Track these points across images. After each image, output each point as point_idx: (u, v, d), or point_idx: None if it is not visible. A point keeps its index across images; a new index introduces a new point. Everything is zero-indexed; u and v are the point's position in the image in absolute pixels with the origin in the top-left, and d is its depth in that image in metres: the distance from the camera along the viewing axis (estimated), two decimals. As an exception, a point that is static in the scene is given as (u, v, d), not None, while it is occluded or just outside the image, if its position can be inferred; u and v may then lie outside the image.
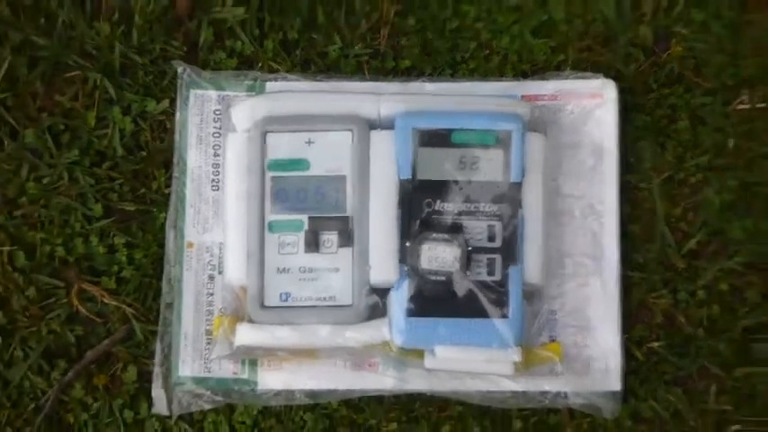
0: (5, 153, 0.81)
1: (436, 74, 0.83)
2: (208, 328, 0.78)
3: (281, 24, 0.83)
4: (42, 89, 0.83)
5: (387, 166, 0.75)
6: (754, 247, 0.81)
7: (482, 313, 0.73)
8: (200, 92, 0.81)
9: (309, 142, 0.75)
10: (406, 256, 0.73)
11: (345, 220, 0.75)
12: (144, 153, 0.82)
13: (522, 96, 0.80)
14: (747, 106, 0.82)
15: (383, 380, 0.78)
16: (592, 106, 0.81)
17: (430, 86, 0.81)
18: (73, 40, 0.83)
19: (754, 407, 0.79)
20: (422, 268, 0.73)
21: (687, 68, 0.83)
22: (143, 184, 0.82)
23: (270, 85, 0.81)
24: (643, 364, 0.79)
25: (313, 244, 0.75)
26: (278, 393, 0.78)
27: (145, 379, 0.79)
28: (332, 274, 0.75)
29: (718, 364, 0.79)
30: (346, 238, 0.75)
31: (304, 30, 0.83)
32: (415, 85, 0.81)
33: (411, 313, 0.73)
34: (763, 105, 0.82)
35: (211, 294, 0.79)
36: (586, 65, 0.83)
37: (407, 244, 0.73)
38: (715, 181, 0.81)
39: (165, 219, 0.80)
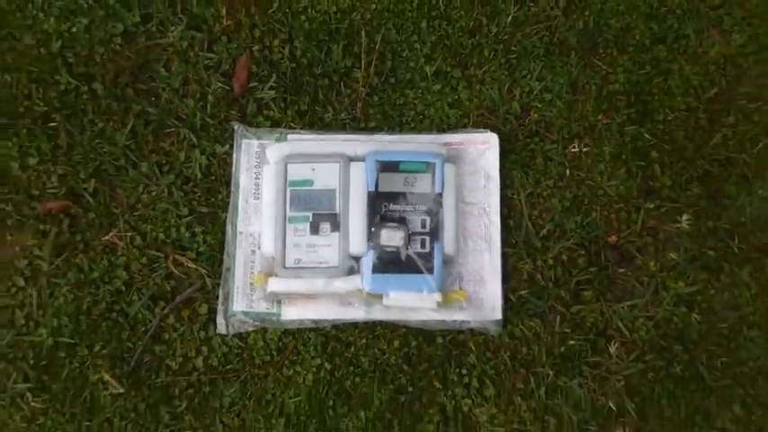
0: (129, 177, 1.01)
1: (391, 130, 1.02)
2: (251, 281, 0.98)
3: (297, 101, 1.04)
4: (152, 139, 1.02)
5: (360, 184, 0.96)
6: (582, 233, 1.02)
7: (417, 271, 0.94)
8: (247, 141, 1.01)
9: (313, 169, 0.96)
10: (372, 237, 0.94)
11: (335, 215, 0.95)
12: (213, 177, 1.01)
13: (443, 143, 1.01)
14: (577, 150, 1.03)
15: (357, 312, 0.97)
16: (483, 149, 1.02)
17: (387, 137, 1.01)
18: (171, 110, 1.02)
19: (582, 329, 0.99)
20: (381, 244, 0.94)
21: (540, 128, 1.04)
22: (213, 195, 1.01)
23: (290, 137, 1.01)
24: (515, 304, 0.99)
25: (315, 230, 0.95)
26: (293, 321, 0.97)
27: (212, 312, 0.98)
28: (326, 248, 0.95)
29: (561, 304, 1.00)
30: (336, 226, 0.95)
31: (311, 104, 1.03)
32: (378, 137, 1.01)
33: (375, 270, 0.93)
34: (586, 150, 1.03)
35: (253, 261, 0.99)
36: (480, 125, 1.03)
37: (372, 229, 0.94)
38: (558, 194, 1.02)
39: (226, 217, 0.99)
